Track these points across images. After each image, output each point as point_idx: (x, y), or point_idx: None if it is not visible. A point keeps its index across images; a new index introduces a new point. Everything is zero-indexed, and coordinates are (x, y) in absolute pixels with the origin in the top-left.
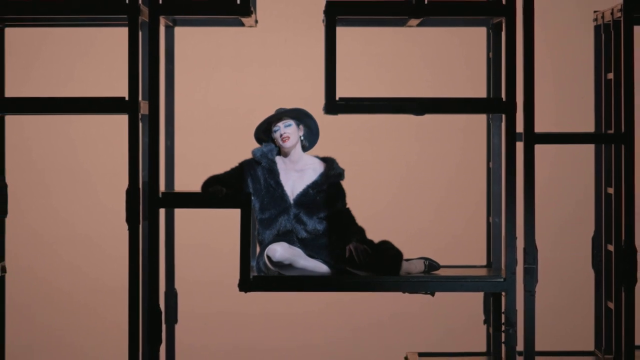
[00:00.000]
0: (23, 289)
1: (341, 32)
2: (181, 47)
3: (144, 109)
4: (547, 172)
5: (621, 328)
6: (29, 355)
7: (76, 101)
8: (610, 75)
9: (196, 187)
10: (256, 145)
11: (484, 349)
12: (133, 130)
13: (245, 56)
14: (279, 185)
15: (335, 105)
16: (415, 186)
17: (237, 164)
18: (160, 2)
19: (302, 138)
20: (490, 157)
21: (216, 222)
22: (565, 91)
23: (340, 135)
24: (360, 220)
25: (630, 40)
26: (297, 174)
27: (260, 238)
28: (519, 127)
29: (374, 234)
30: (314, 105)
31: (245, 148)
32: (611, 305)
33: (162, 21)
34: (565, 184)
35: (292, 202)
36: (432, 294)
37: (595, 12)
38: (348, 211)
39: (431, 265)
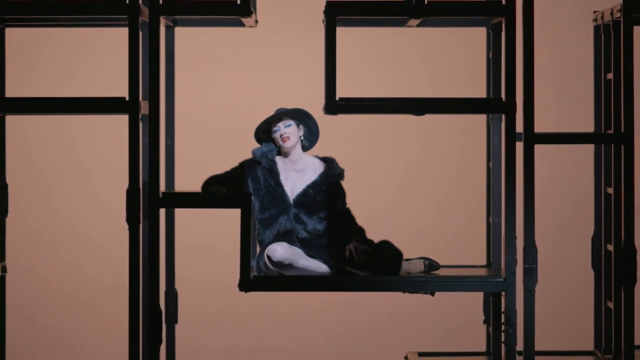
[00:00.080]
0: (23, 289)
1: (341, 32)
2: (181, 48)
3: (144, 109)
4: (547, 172)
5: (621, 328)
6: (29, 355)
7: (77, 101)
8: (610, 76)
9: (196, 187)
10: (256, 145)
11: (483, 348)
12: (133, 131)
13: (245, 56)
14: (279, 185)
15: (335, 105)
16: (415, 186)
17: (237, 164)
18: (161, 2)
19: (302, 138)
20: (490, 157)
21: (216, 222)
22: (565, 91)
23: (340, 135)
24: (360, 220)
25: (630, 41)
26: (297, 174)
27: (260, 238)
28: (519, 127)
29: (374, 234)
30: (314, 105)
31: (245, 148)
32: (611, 305)
33: (163, 21)
34: (565, 184)
35: (292, 202)
36: (432, 294)
37: (594, 12)
38: (348, 211)
39: (431, 265)
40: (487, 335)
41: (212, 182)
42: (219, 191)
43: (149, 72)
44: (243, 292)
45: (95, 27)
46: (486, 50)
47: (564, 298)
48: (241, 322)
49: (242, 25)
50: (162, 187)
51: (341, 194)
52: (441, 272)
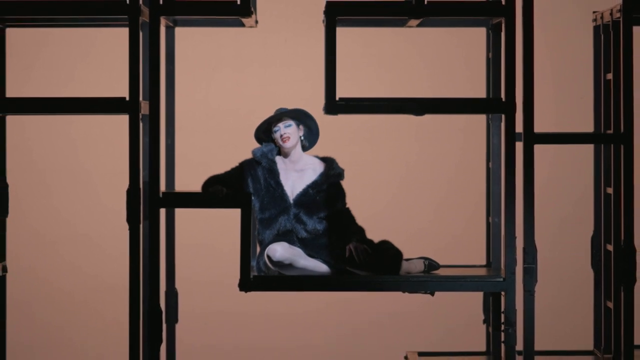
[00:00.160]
0: (24, 289)
1: (341, 32)
2: (182, 48)
3: (145, 109)
4: (547, 172)
5: (620, 327)
6: (30, 355)
7: (77, 101)
8: (610, 76)
9: (196, 187)
10: (256, 145)
11: (483, 348)
12: (134, 131)
13: (245, 56)
14: (279, 185)
15: (335, 105)
16: (415, 186)
17: (237, 164)
18: (161, 2)
19: (302, 138)
20: (490, 157)
21: (216, 222)
22: (564, 91)
23: (340, 135)
24: (360, 220)
25: (630, 41)
26: (297, 173)
27: (261, 238)
28: (519, 127)
29: (374, 234)
30: (314, 105)
31: (245, 148)
32: (610, 304)
33: (163, 22)
34: (565, 184)
35: (292, 202)
36: (432, 294)
37: (594, 12)
38: (348, 211)
39: (431, 265)
40: (487, 335)
41: (212, 182)
42: (219, 191)
43: (149, 72)
44: (243, 292)
45: (96, 27)
46: (486, 51)
47: (564, 298)
48: (241, 322)
49: (242, 25)
50: (163, 187)
51: (341, 194)
52: (441, 272)
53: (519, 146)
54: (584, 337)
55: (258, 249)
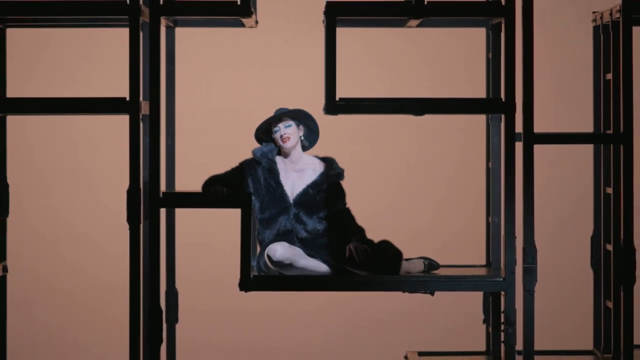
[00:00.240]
0: (24, 289)
1: (341, 32)
2: (182, 48)
3: (145, 109)
4: (546, 172)
5: (620, 327)
6: (30, 355)
7: (77, 101)
8: (609, 76)
9: (197, 187)
10: (256, 145)
11: (483, 348)
12: (134, 131)
13: (245, 57)
14: (279, 185)
15: (335, 105)
16: (415, 186)
17: (237, 164)
18: (161, 3)
19: (302, 138)
20: (490, 157)
21: (217, 222)
22: (564, 91)
23: (340, 135)
24: (360, 220)
25: (629, 41)
26: (297, 173)
27: (261, 238)
28: (518, 128)
29: (374, 234)
30: (314, 105)
31: (245, 148)
32: (610, 304)
33: (163, 22)
34: (565, 184)
35: (292, 201)
36: (432, 294)
37: (594, 12)
38: (348, 211)
39: (431, 264)
40: (487, 334)
41: (213, 182)
42: (220, 191)
43: (150, 72)
44: (243, 292)
45: (96, 27)
46: (486, 51)
47: (564, 298)
48: (241, 321)
49: (243, 25)
50: (163, 187)
51: (341, 194)
52: (441, 271)
53: (519, 146)
54: (584, 337)
55: (258, 249)
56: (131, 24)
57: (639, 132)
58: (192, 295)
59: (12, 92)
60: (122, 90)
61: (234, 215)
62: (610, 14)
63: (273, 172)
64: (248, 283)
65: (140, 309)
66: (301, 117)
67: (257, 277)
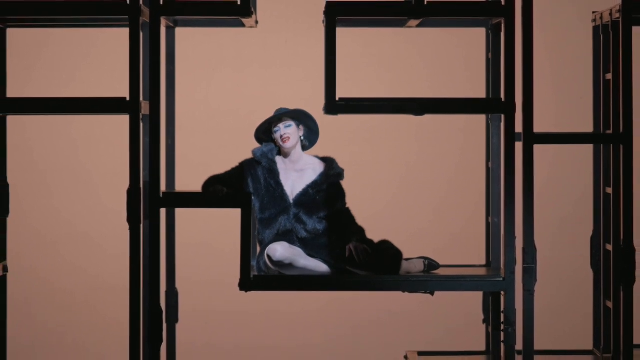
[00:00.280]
0: (25, 289)
1: (341, 32)
2: (182, 48)
3: (145, 109)
4: (546, 172)
5: (620, 327)
6: (31, 354)
7: (77, 101)
8: (609, 76)
9: (197, 187)
10: (257, 145)
11: (483, 348)
12: (134, 131)
13: (245, 57)
14: (279, 185)
15: (335, 105)
16: (415, 186)
17: (237, 164)
18: (161, 3)
19: (302, 138)
20: (490, 157)
21: (217, 222)
22: (564, 91)
23: (340, 135)
24: (360, 220)
25: (629, 41)
26: (297, 173)
27: (261, 238)
28: (518, 128)
29: (374, 234)
30: (314, 105)
31: (245, 148)
32: (610, 304)
33: (163, 22)
34: (564, 183)
35: (292, 201)
36: (432, 293)
37: (594, 12)
38: (348, 211)
39: (431, 264)
40: (487, 334)
41: (213, 182)
42: (220, 191)
43: (150, 72)
44: (243, 292)
45: (96, 27)
46: (486, 51)
47: (563, 297)
48: (242, 321)
49: (243, 25)
50: (163, 187)
51: (341, 194)
52: (441, 271)
53: (519, 146)
54: (584, 337)
55: (258, 249)
56: (131, 24)
57: (639, 132)
58: (192, 295)
59: (12, 92)
60: (122, 90)
61: (234, 215)
62: (610, 14)
63: (273, 172)
64: (248, 283)
65: (141, 309)
66: (301, 117)
67: (257, 277)
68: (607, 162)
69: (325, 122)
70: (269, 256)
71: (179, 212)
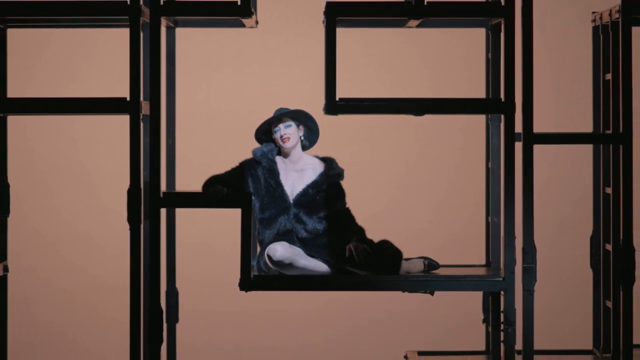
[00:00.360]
0: (25, 289)
1: (341, 33)
2: (182, 48)
3: (145, 109)
4: (546, 172)
5: (619, 327)
6: (31, 354)
7: (78, 102)
8: (609, 76)
9: (197, 187)
10: (256, 145)
11: (483, 347)
12: (134, 131)
13: (246, 57)
14: (279, 185)
15: (335, 105)
16: (415, 186)
17: (237, 164)
18: (162, 3)
19: (302, 138)
20: (490, 157)
21: (217, 222)
22: (563, 92)
23: (340, 135)
24: (360, 220)
25: (629, 41)
26: (297, 173)
27: (261, 237)
28: (518, 128)
29: (374, 234)
30: (314, 105)
31: (245, 148)
32: (609, 304)
33: (163, 22)
34: (564, 183)
35: (291, 201)
36: (432, 293)
37: (593, 13)
38: (348, 211)
39: (430, 264)
40: (487, 334)
41: (213, 182)
42: (220, 191)
43: (150, 72)
44: (244, 292)
45: (97, 27)
46: (485, 51)
47: (563, 297)
48: (242, 321)
49: (243, 26)
50: (163, 187)
51: (341, 193)
52: (441, 271)
53: (519, 146)
54: (583, 337)
55: (258, 249)
56: (132, 24)
57: (639, 132)
58: (192, 295)
59: (12, 92)
60: (122, 90)
61: (234, 215)
62: (610, 15)
63: (273, 172)
64: (248, 283)
65: (141, 309)
66: (301, 118)
67: (257, 276)
68: (606, 162)
69: (325, 122)
70: (269, 256)
71: (179, 212)
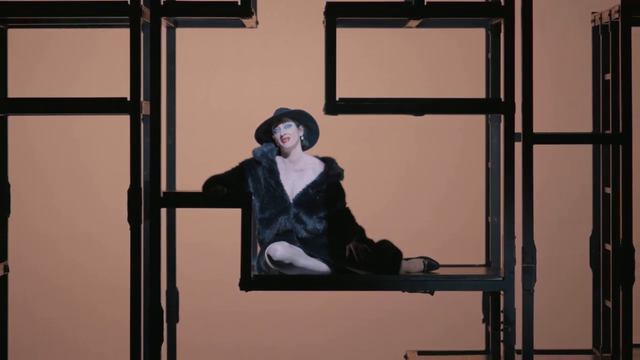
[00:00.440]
0: (26, 289)
1: (341, 33)
2: (182, 48)
3: (146, 109)
4: (546, 172)
5: (619, 326)
6: (31, 353)
7: (78, 102)
8: (608, 76)
9: (197, 186)
10: (257, 145)
11: (482, 347)
12: (135, 131)
13: (246, 57)
14: (279, 185)
15: (335, 105)
16: (415, 186)
17: (237, 164)
18: (162, 3)
19: (302, 138)
20: (489, 157)
21: (217, 222)
22: (563, 92)
23: (340, 135)
24: (360, 220)
25: (628, 42)
26: (297, 173)
27: (261, 237)
28: (518, 128)
29: (374, 234)
30: (314, 105)
31: (245, 148)
32: (609, 304)
33: (164, 22)
34: (564, 183)
35: (291, 201)
36: (432, 293)
37: (593, 13)
38: (348, 211)
39: (430, 264)
40: (486, 334)
41: (213, 182)
42: (220, 191)
43: (151, 72)
44: (244, 291)
45: (97, 28)
46: (485, 51)
47: (563, 297)
48: (242, 320)
49: (243, 26)
50: (163, 187)
51: (341, 193)
52: (440, 271)
53: (518, 146)
54: (583, 336)
55: (258, 249)
56: (132, 24)
57: (638, 132)
58: (192, 295)
59: (13, 92)
60: (122, 90)
61: (234, 215)
62: (610, 15)
63: (273, 172)
64: (248, 282)
65: (141, 309)
66: (301, 118)
67: (258, 276)
68: (606, 162)
69: (325, 122)
70: (269, 256)
71: (180, 212)
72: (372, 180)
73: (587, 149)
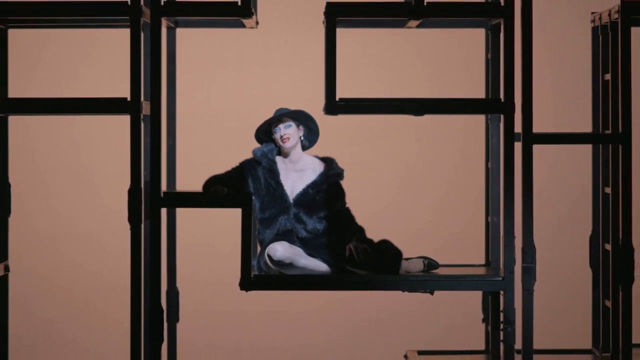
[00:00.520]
0: (26, 288)
1: (341, 33)
2: (183, 48)
3: (146, 109)
4: (545, 172)
5: (618, 326)
6: (32, 353)
7: (79, 102)
8: (608, 76)
9: (197, 186)
10: (257, 145)
11: (482, 347)
12: (135, 131)
13: (246, 57)
14: (279, 185)
15: (335, 105)
16: (415, 186)
17: (237, 164)
18: (162, 3)
19: (302, 138)
20: (489, 157)
21: (217, 222)
22: (563, 92)
23: (340, 135)
24: (360, 220)
25: (628, 42)
26: (297, 173)
27: (261, 237)
28: (517, 128)
29: (374, 234)
30: (315, 105)
31: (246, 148)
32: (608, 303)
33: (164, 22)
34: (563, 183)
35: (291, 201)
36: (431, 293)
37: (592, 13)
38: (348, 211)
39: (430, 264)
40: (486, 333)
41: (213, 182)
42: (220, 191)
43: (151, 72)
44: (244, 291)
45: (97, 28)
46: (485, 51)
47: (562, 297)
48: (242, 320)
49: (243, 26)
50: (164, 187)
51: (341, 193)
52: (440, 271)
53: (518, 146)
54: (583, 336)
55: (259, 249)
56: (132, 24)
57: (638, 132)
58: (193, 295)
59: (13, 92)
60: (123, 90)
61: (234, 215)
62: (609, 15)
63: (273, 172)
64: (248, 282)
65: (142, 309)
66: (301, 118)
67: (258, 276)
68: (605, 162)
69: (325, 122)
70: (269, 256)
71: (180, 211)
72: (372, 180)
73: (587, 149)
